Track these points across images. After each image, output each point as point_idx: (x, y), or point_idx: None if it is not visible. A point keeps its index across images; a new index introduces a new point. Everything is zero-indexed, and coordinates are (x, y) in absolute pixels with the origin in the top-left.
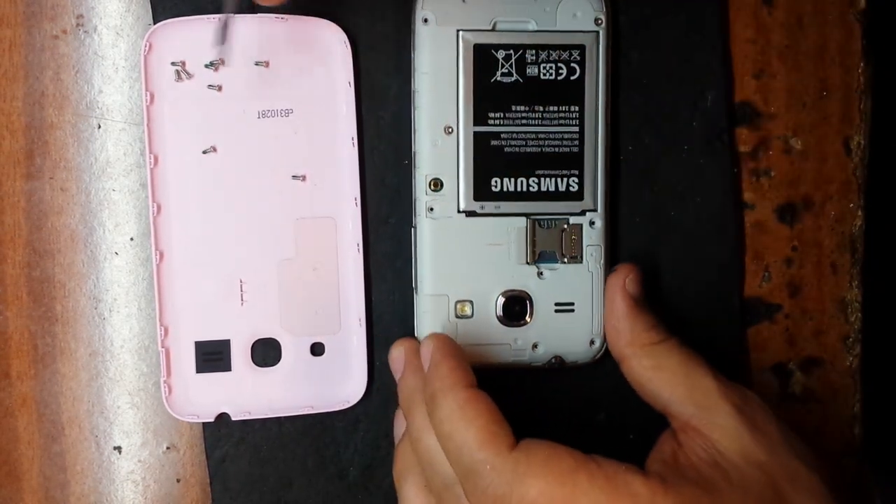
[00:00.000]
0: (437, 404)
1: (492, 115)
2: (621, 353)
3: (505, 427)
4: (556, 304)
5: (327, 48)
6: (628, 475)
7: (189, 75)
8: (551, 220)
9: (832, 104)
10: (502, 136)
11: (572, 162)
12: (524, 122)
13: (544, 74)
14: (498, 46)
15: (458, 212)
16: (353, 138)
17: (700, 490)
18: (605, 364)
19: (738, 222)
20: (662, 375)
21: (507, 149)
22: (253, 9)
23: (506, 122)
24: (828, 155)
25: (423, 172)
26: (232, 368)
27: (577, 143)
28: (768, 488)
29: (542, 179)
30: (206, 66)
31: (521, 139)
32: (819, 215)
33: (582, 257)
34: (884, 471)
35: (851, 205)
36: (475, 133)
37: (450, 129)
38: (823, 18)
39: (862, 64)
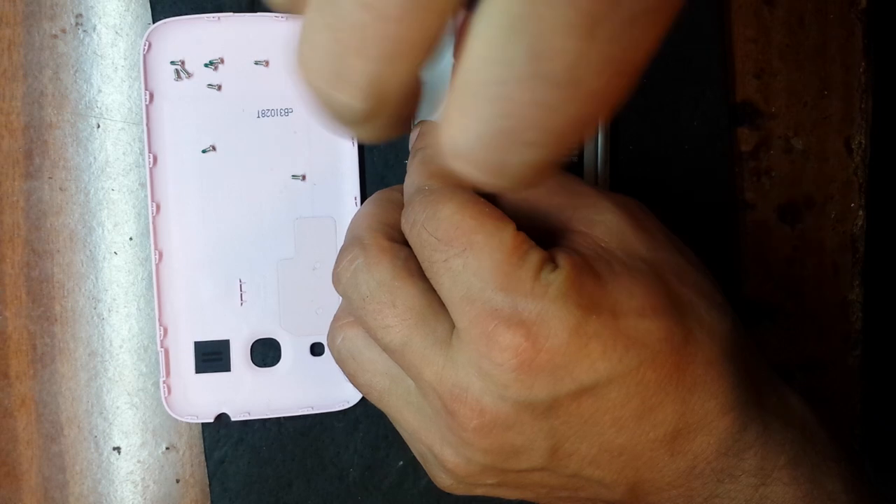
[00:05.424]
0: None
1: None
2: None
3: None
4: None
5: None
6: (530, 246)
7: (188, 74)
8: None
9: (833, 103)
10: None
11: (572, 171)
12: None
13: None
14: None
15: None
16: (353, 138)
17: (588, 277)
18: None
19: (738, 222)
20: (538, 193)
21: None
22: (253, 8)
23: None
24: (829, 154)
25: None
26: (231, 369)
27: (576, 151)
28: (655, 279)
29: None
30: (206, 65)
31: None
32: (820, 215)
33: None
34: (884, 471)
35: (852, 204)
36: None
37: None
38: (824, 17)
39: (863, 63)
